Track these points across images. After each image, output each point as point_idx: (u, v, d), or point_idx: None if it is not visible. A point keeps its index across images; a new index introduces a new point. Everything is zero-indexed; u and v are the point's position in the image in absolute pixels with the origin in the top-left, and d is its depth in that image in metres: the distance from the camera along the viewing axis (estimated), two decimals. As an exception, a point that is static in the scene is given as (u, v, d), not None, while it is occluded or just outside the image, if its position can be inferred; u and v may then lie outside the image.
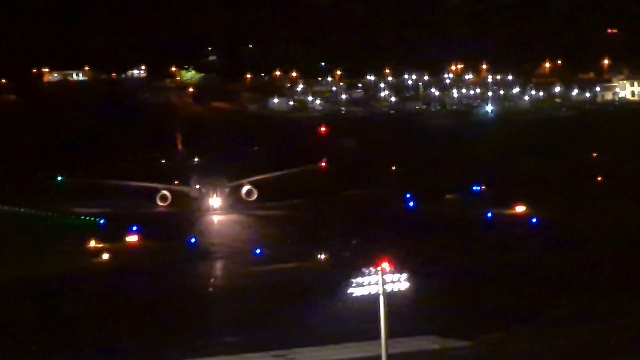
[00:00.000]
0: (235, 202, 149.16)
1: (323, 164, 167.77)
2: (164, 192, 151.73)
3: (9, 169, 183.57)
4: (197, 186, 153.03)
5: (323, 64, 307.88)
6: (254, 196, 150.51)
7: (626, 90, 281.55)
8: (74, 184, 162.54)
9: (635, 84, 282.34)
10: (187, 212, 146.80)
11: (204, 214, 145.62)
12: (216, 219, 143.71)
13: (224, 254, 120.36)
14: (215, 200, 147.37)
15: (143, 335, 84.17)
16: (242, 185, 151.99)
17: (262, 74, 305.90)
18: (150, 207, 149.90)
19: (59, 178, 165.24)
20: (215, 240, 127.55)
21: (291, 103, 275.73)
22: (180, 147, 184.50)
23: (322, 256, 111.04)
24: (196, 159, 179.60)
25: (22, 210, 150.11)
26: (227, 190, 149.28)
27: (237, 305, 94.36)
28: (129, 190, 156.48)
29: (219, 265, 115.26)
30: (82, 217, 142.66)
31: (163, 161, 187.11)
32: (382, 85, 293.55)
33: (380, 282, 57.62)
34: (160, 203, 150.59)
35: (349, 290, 57.68)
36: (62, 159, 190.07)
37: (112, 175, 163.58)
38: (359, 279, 57.67)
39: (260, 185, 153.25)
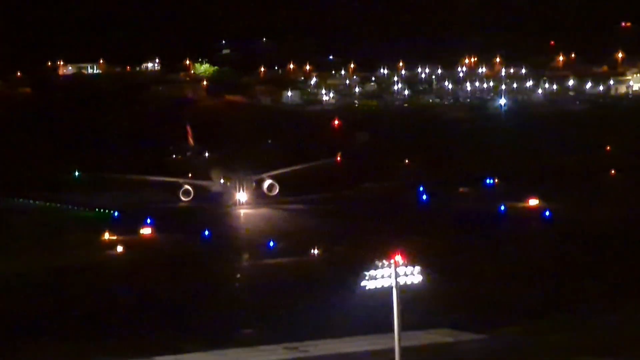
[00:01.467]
0: (258, 197, 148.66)
1: (338, 158, 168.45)
2: (187, 186, 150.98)
3: (24, 162, 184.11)
4: (222, 180, 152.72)
5: (337, 57, 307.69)
6: (276, 190, 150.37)
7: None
8: (92, 179, 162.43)
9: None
10: (216, 207, 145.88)
11: (232, 208, 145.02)
12: (247, 213, 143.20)
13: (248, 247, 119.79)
14: (241, 195, 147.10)
15: (156, 328, 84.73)
16: (262, 180, 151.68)
17: (276, 67, 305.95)
18: (172, 201, 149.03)
19: (77, 173, 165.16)
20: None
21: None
22: (192, 141, 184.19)
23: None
24: (207, 154, 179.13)
25: (37, 202, 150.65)
26: (253, 184, 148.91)
27: (248, 299, 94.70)
28: (145, 185, 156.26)
29: (237, 257, 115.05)
30: (97, 210, 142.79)
31: (174, 156, 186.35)
32: (395, 78, 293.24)
33: (394, 275, 57.77)
34: (183, 198, 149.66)
35: (362, 283, 57.84)
36: (75, 152, 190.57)
37: (126, 169, 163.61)
38: (372, 272, 57.80)
39: (276, 178, 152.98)
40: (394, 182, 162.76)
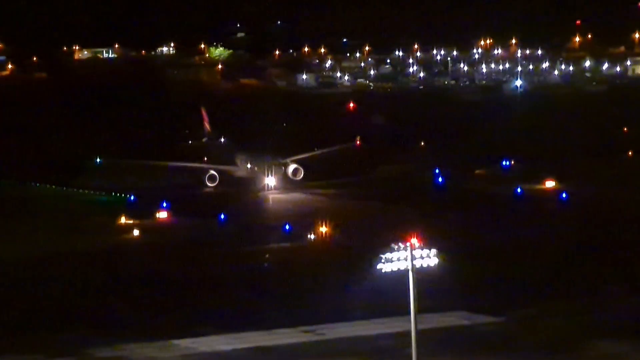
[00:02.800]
0: (283, 181, 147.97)
1: (358, 142, 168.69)
2: (212, 172, 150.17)
3: (40, 147, 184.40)
4: (249, 165, 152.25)
5: (351, 40, 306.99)
6: (301, 175, 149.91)
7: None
8: (113, 165, 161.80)
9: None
10: (245, 192, 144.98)
11: (262, 193, 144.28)
12: (280, 197, 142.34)
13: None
14: (270, 180, 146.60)
15: (169, 312, 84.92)
16: (287, 164, 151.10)
17: (291, 50, 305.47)
18: (198, 187, 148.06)
19: (98, 159, 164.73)
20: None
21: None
22: (207, 125, 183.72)
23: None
24: (222, 139, 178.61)
25: (54, 187, 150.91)
26: (282, 169, 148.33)
27: (264, 282, 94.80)
28: (166, 171, 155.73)
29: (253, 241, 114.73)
30: (119, 195, 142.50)
31: (189, 141, 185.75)
32: (410, 61, 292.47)
33: (410, 257, 57.62)
34: (208, 183, 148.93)
35: (379, 266, 57.72)
36: (91, 137, 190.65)
37: (144, 155, 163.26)
38: (389, 255, 57.67)
39: (298, 163, 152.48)
40: (410, 164, 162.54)
